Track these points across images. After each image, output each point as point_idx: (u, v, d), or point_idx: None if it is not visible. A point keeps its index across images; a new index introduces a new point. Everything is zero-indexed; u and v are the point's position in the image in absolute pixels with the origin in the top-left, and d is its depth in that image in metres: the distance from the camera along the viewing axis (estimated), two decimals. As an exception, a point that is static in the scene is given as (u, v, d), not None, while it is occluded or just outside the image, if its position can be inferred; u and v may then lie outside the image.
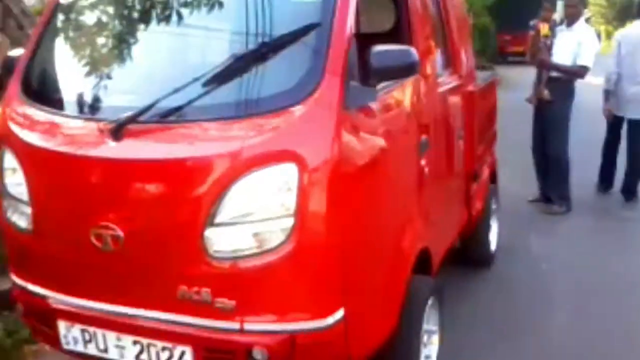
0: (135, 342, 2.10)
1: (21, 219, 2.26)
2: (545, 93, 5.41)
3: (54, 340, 2.28)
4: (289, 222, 1.91)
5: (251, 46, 2.10)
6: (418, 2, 2.78)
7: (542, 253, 4.58)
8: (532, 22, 5.76)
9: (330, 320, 1.99)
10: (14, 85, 2.40)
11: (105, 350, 2.16)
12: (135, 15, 2.43)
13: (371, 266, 2.21)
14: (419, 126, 2.68)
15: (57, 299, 2.22)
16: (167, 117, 2.02)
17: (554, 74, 5.31)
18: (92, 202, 2.10)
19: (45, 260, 2.24)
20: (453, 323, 3.14)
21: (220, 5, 2.26)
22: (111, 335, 2.13)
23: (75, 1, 2.57)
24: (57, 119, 2.26)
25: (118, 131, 2.04)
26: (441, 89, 3.08)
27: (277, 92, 2.01)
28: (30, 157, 2.24)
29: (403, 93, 2.53)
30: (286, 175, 1.91)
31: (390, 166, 2.34)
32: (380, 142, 2.25)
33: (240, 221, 1.93)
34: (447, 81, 3.31)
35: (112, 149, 2.05)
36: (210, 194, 1.93)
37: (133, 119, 2.03)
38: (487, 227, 4.17)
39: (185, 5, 2.30)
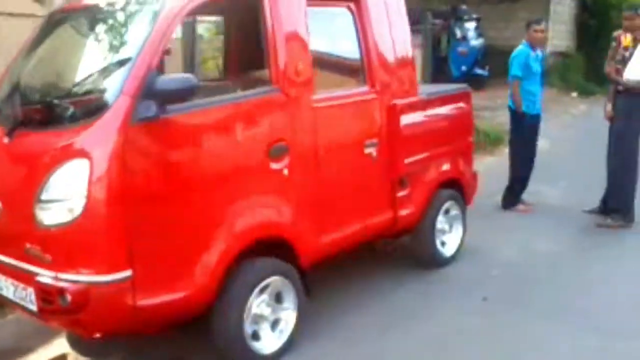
0: (11, 284, 3.00)
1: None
2: (609, 107, 5.50)
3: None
4: (82, 201, 2.67)
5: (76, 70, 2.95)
6: (280, 27, 3.33)
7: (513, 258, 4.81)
8: (614, 34, 5.72)
9: (116, 276, 2.71)
10: None
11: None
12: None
13: (168, 244, 2.86)
14: (269, 135, 3.25)
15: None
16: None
17: (620, 87, 5.37)
18: None
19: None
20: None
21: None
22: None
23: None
24: None
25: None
26: (322, 104, 3.56)
27: (88, 108, 2.82)
28: None
29: (238, 109, 3.15)
30: (81, 167, 2.67)
31: (192, 164, 2.95)
32: (179, 147, 2.89)
33: (54, 199, 2.73)
34: (345, 96, 3.79)
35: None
36: (37, 181, 2.76)
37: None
38: (430, 230, 4.47)
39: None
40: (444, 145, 4.57)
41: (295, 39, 3.42)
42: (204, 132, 3.03)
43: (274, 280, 3.33)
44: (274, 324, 3.40)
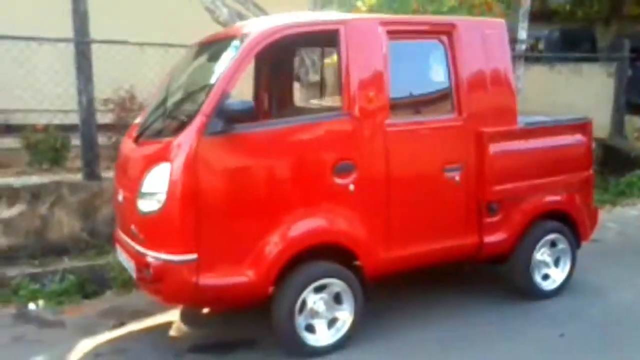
0: (126, 257, 3.86)
1: None
2: None
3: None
4: (164, 196, 3.42)
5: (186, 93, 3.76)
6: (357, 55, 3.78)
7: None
8: None
9: (184, 257, 3.40)
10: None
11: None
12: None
13: (230, 236, 3.46)
14: (334, 154, 3.70)
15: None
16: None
17: None
18: None
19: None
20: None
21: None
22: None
23: None
24: None
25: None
26: (396, 128, 3.90)
27: (175, 125, 3.58)
28: None
29: (304, 130, 3.68)
30: (164, 169, 3.43)
31: (254, 172, 3.53)
32: (244, 157, 3.49)
33: (148, 192, 3.52)
34: (424, 122, 4.08)
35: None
36: (138, 177, 3.59)
37: None
38: (525, 260, 4.45)
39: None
40: (550, 175, 4.51)
41: (369, 70, 3.83)
42: (269, 146, 3.59)
43: (332, 282, 3.75)
44: (332, 322, 3.81)
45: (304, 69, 7.44)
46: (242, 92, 4.45)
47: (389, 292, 4.43)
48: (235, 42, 3.71)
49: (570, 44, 14.65)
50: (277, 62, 4.88)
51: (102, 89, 5.79)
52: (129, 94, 6.18)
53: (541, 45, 15.88)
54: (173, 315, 4.32)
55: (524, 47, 9.07)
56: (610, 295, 4.66)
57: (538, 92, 9.07)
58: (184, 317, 4.28)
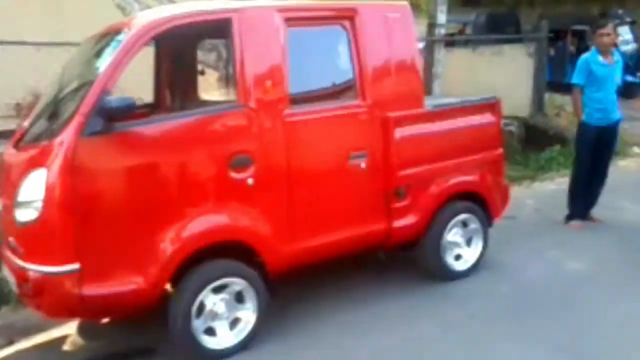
0: (8, 272, 3.57)
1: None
2: None
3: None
4: (40, 204, 3.16)
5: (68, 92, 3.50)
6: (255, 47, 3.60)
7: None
8: None
9: (65, 268, 3.16)
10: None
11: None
12: None
13: (115, 242, 3.25)
14: (229, 147, 3.51)
15: None
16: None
17: None
18: None
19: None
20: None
21: None
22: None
23: None
24: None
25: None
26: (296, 118, 3.74)
27: (54, 127, 3.31)
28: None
29: (193, 124, 3.48)
30: (40, 175, 3.17)
31: (139, 172, 3.31)
32: (128, 156, 3.27)
33: (24, 201, 3.26)
34: (325, 109, 3.92)
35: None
36: (15, 186, 3.32)
37: None
38: (436, 242, 4.38)
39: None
40: (459, 156, 4.45)
41: (265, 60, 3.66)
42: (156, 144, 3.38)
43: (232, 281, 3.58)
44: (235, 322, 3.64)
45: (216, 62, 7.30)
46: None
47: (298, 286, 4.28)
48: (120, 36, 3.48)
49: (496, 27, 14.92)
50: (177, 55, 4.63)
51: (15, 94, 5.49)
52: (37, 97, 5.82)
53: (469, 30, 16.14)
54: (70, 328, 4.05)
55: (443, 31, 9.07)
56: (521, 273, 4.65)
57: (463, 75, 9.13)
58: (81, 330, 4.02)
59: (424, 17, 9.45)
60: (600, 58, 5.42)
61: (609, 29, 5.45)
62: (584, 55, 5.54)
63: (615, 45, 5.37)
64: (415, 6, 8.88)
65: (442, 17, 9.18)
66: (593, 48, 5.53)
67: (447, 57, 9.22)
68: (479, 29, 15.60)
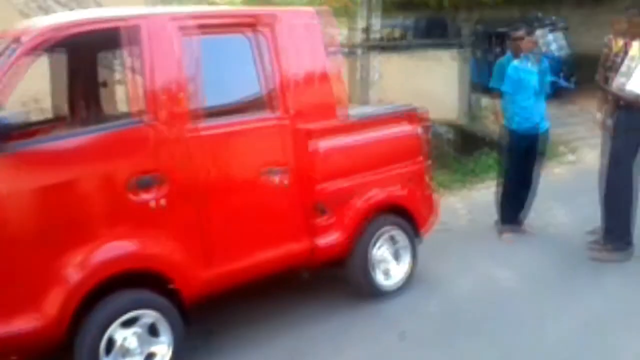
0: None
1: None
2: (599, 115, 5.08)
3: None
4: None
5: None
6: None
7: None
8: (605, 38, 5.31)
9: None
10: None
11: None
12: None
13: (8, 278, 2.97)
14: (130, 167, 3.27)
15: None
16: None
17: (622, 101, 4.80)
18: None
19: None
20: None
21: None
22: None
23: None
24: None
25: None
26: (203, 133, 3.52)
27: None
28: None
29: (90, 143, 3.24)
30: None
31: (34, 197, 3.04)
32: (22, 180, 2.99)
33: None
34: (233, 123, 3.69)
35: None
36: None
37: None
38: (362, 259, 4.23)
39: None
40: (378, 168, 4.29)
41: (163, 72, 3.41)
42: (50, 165, 3.11)
43: (143, 313, 3.32)
44: (149, 357, 3.36)
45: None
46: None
47: (220, 312, 4.04)
48: (13, 44, 3.18)
49: (435, 31, 15.01)
50: (76, 66, 4.28)
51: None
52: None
53: (411, 35, 16.24)
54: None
55: (378, 36, 9.04)
56: (450, 287, 4.54)
57: (400, 81, 9.10)
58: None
59: (352, 23, 9.35)
60: (517, 62, 5.37)
61: (521, 33, 5.39)
62: (500, 60, 5.56)
63: (532, 50, 5.31)
64: (344, 11, 8.84)
65: (376, 23, 9.16)
66: (508, 52, 5.55)
67: (384, 63, 9.20)
68: (420, 34, 15.71)
